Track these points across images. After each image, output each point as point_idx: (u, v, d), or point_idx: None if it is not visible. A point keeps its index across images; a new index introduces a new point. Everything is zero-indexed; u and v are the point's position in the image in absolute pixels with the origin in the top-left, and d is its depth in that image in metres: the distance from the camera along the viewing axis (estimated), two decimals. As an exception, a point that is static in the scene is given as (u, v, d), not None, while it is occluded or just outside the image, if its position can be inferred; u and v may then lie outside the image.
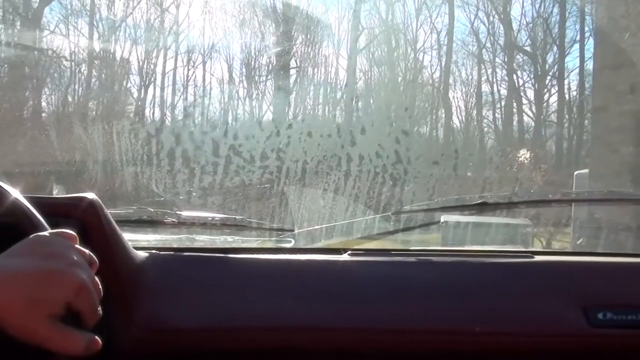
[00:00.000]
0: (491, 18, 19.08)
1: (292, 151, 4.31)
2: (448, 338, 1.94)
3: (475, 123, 18.61)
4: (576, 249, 3.95)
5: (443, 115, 17.70)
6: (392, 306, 1.93)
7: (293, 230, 2.69)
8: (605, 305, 1.94)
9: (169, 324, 1.86)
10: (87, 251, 1.16)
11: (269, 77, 16.11)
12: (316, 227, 3.58)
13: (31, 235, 1.13)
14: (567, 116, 18.15)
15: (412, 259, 2.12)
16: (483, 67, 18.80)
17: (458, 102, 18.86)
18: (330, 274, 2.03)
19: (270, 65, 16.30)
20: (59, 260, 1.09)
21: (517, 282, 2.03)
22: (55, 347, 1.07)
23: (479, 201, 2.54)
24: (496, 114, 18.78)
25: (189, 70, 17.07)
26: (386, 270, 2.06)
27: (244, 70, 17.34)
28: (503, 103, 18.63)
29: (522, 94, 18.73)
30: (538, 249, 2.57)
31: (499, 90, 18.65)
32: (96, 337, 1.12)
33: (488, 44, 18.94)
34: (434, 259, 2.12)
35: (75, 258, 1.12)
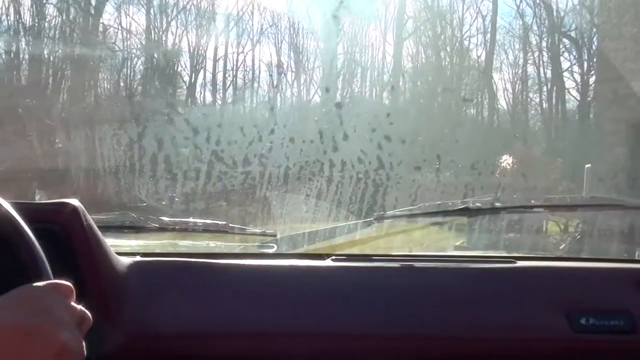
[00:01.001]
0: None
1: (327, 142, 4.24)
2: (430, 344, 1.95)
3: (520, 107, 18.53)
4: (559, 255, 3.98)
5: (487, 99, 17.60)
6: (375, 312, 1.93)
7: (276, 236, 2.69)
8: (588, 310, 1.94)
9: (152, 329, 1.85)
10: (79, 307, 1.11)
11: (316, 61, 16.08)
12: (299, 232, 3.58)
13: (24, 286, 1.11)
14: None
15: (395, 264, 2.12)
16: (529, 49, 18.70)
17: (506, 84, 18.78)
18: (313, 280, 2.02)
19: (318, 50, 16.27)
20: (46, 317, 1.05)
21: (499, 287, 2.03)
22: None
23: (461, 206, 2.54)
24: (543, 97, 18.68)
25: (238, 55, 16.86)
26: (369, 276, 2.06)
27: (292, 55, 17.27)
28: (547, 87, 18.55)
29: (567, 78, 18.65)
30: (521, 254, 2.58)
31: (545, 74, 18.55)
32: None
33: (534, 27, 18.83)
34: (416, 264, 2.12)
35: (63, 316, 1.08)
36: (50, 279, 1.22)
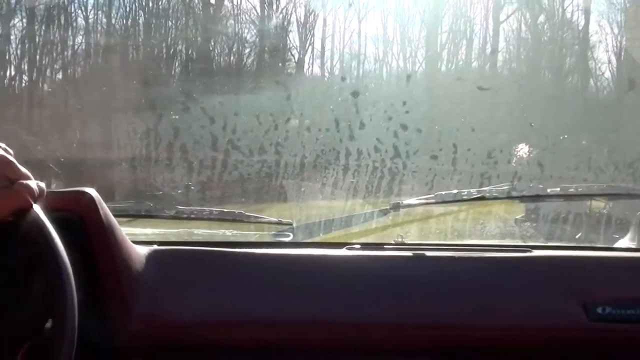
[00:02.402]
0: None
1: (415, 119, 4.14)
2: (446, 333, 1.94)
3: (614, 83, 18.40)
4: (575, 244, 3.95)
5: (579, 76, 17.45)
6: (390, 301, 1.93)
7: (292, 224, 2.68)
8: (604, 299, 1.94)
9: (167, 318, 1.86)
10: (24, 170, 1.21)
11: (421, 34, 16.11)
12: (315, 221, 3.56)
13: None
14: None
15: (410, 253, 2.12)
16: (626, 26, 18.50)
17: (610, 56, 18.60)
18: (329, 269, 2.02)
19: (422, 25, 16.28)
20: None
21: (515, 276, 2.02)
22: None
23: (477, 195, 2.53)
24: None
25: (345, 30, 16.83)
26: (385, 264, 2.05)
27: (397, 28, 17.27)
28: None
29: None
30: (536, 243, 2.57)
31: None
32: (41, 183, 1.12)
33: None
34: (432, 253, 2.12)
35: None
36: (68, 270, 1.23)
